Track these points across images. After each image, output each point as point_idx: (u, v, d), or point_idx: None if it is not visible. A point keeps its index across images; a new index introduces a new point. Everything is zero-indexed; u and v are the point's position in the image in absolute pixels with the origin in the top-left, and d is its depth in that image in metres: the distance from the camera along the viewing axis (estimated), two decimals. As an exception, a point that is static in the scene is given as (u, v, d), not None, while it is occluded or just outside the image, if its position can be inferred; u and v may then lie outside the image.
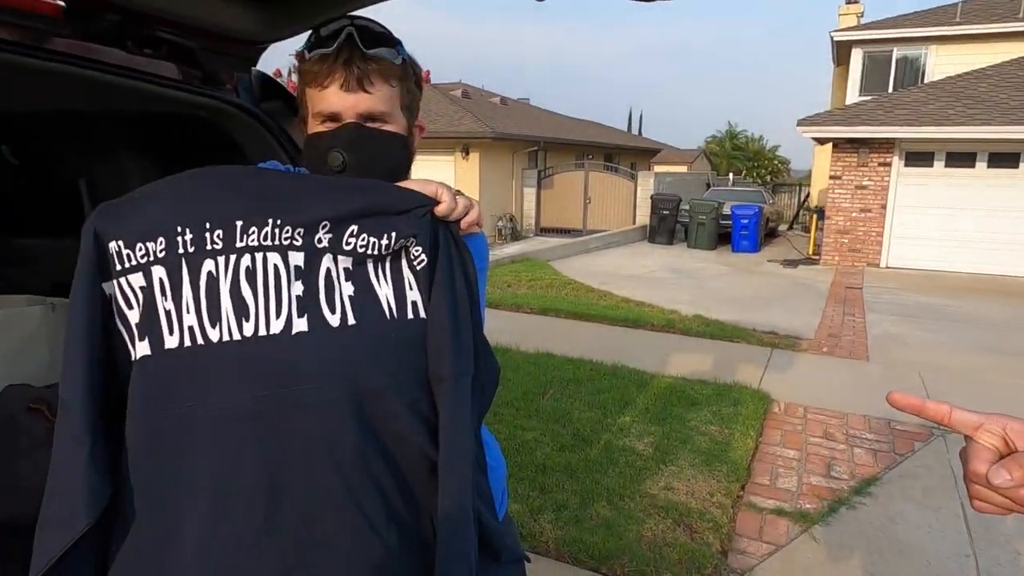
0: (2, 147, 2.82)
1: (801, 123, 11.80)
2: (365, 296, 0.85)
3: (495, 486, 1.08)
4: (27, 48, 1.33)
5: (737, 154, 37.02)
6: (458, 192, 0.93)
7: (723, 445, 3.80)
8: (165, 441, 0.81)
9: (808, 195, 18.99)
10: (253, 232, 0.81)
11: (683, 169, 27.89)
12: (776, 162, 37.06)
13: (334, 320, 0.83)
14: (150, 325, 0.81)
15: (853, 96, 14.80)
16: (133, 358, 0.82)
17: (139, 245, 0.81)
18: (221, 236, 0.81)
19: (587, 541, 2.77)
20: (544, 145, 18.03)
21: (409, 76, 1.00)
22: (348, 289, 0.84)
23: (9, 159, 2.84)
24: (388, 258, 0.86)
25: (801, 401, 4.63)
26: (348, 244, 0.84)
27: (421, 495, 0.89)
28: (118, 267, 0.82)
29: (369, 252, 0.85)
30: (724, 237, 14.04)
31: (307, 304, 0.83)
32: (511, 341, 5.83)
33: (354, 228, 0.83)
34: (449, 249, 0.89)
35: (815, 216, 13.60)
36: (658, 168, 24.56)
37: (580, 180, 17.19)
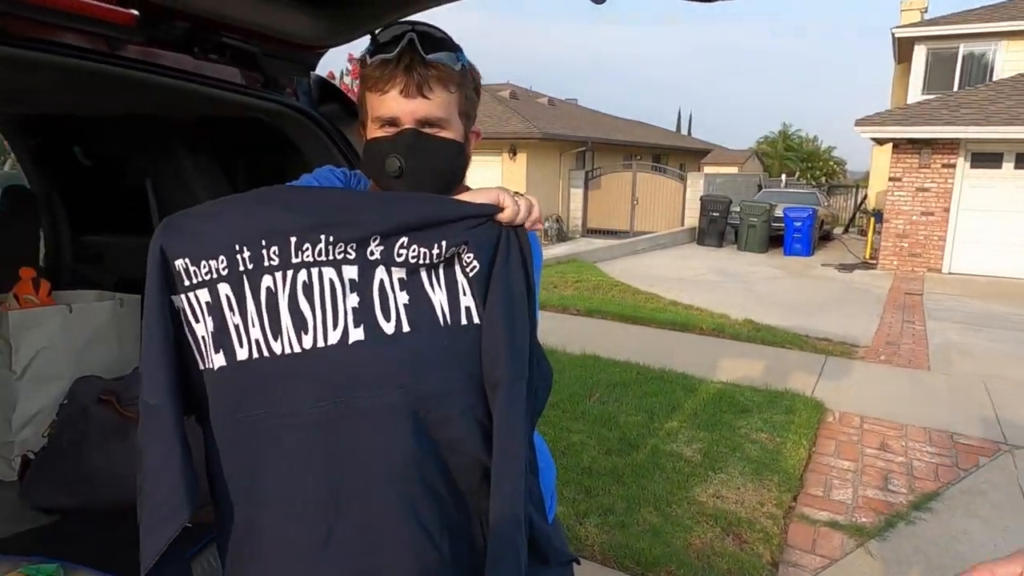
0: (76, 149, 2.96)
1: (859, 123, 11.42)
2: (420, 304, 0.87)
3: (545, 489, 1.08)
4: (102, 55, 1.39)
5: (790, 155, 36.09)
6: (517, 193, 0.93)
7: (774, 454, 3.71)
8: (242, 446, 0.85)
9: (865, 197, 18.37)
10: (307, 248, 0.84)
11: (734, 170, 27.34)
12: (832, 163, 36.00)
13: (389, 328, 0.85)
14: (222, 338, 0.85)
15: (915, 95, 14.23)
16: (203, 367, 0.87)
17: (203, 263, 0.85)
18: (277, 252, 0.84)
19: (633, 547, 2.74)
20: (592, 146, 17.92)
21: (468, 82, 1.00)
22: (403, 298, 0.86)
23: (82, 161, 2.99)
24: (441, 265, 0.88)
25: (857, 411, 4.48)
26: (400, 256, 0.85)
27: (474, 500, 0.90)
28: (185, 283, 0.86)
29: (421, 262, 0.86)
30: (776, 240, 13.69)
31: (363, 314, 0.85)
32: (557, 343, 5.81)
33: (404, 240, 0.85)
34: (509, 252, 0.89)
35: (872, 219, 13.13)
36: (708, 169, 24.14)
37: (628, 181, 17.03)
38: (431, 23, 1.00)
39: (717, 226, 14.40)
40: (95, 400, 1.63)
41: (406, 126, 0.96)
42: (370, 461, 0.84)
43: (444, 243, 0.86)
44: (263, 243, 0.84)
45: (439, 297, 0.87)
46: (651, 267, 11.18)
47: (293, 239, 0.84)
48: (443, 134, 0.98)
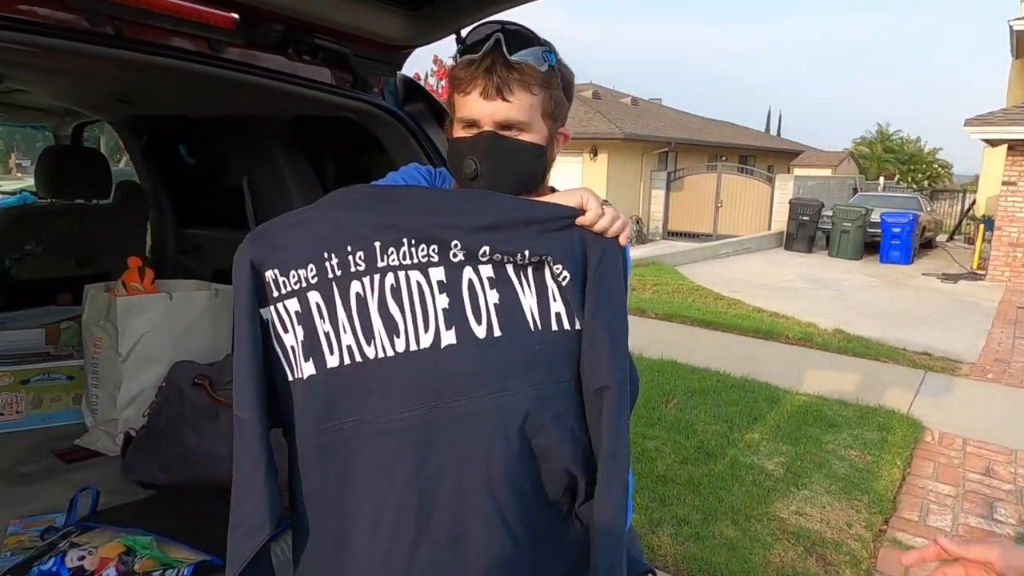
0: (182, 148, 3.16)
1: (969, 123, 10.63)
2: (510, 306, 0.86)
3: None
4: (205, 57, 1.46)
5: (889, 157, 34.03)
6: (605, 202, 0.91)
7: (864, 472, 3.50)
8: (334, 453, 0.86)
9: (974, 202, 17.07)
10: (392, 252, 0.84)
11: (827, 172, 26.04)
12: (936, 166, 33.71)
13: (480, 331, 0.84)
14: (312, 346, 0.86)
15: (1035, 92, 13.11)
16: (293, 377, 0.88)
17: (292, 273, 0.86)
18: (363, 257, 0.84)
19: (709, 560, 2.64)
20: (675, 146, 17.53)
21: (554, 83, 0.98)
22: (493, 297, 0.85)
23: (186, 159, 3.18)
24: (531, 268, 0.86)
25: (959, 432, 4.16)
26: (483, 257, 0.85)
27: (560, 508, 0.89)
28: (275, 294, 0.87)
29: (506, 262, 0.85)
30: (871, 247, 12.95)
31: (454, 316, 0.84)
32: (634, 346, 5.62)
33: (486, 248, 0.84)
34: (609, 261, 0.88)
35: (982, 226, 12.19)
36: (798, 171, 23.09)
37: (712, 182, 16.54)
38: (522, 23, 0.98)
39: (807, 231, 13.76)
40: (190, 383, 1.72)
41: (485, 128, 0.95)
42: (462, 465, 0.83)
43: (527, 251, 0.85)
44: (349, 249, 0.84)
45: (529, 301, 0.86)
46: (734, 272, 10.81)
47: (378, 244, 0.84)
48: (523, 137, 0.96)
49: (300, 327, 0.86)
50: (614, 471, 0.85)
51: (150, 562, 1.24)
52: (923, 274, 11.26)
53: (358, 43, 1.66)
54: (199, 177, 3.09)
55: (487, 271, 0.85)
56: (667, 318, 7.19)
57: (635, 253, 12.71)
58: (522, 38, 0.95)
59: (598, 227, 0.88)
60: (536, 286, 0.87)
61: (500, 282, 0.86)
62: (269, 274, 0.87)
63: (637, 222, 16.32)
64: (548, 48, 0.97)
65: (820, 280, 10.33)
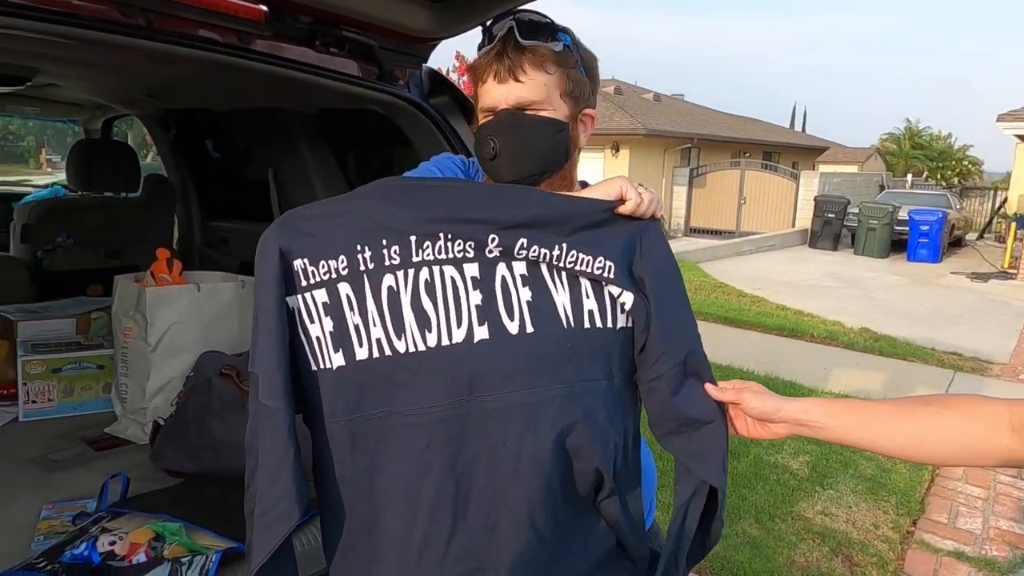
0: (208, 142, 3.19)
1: (1002, 118, 10.40)
2: (543, 303, 0.85)
3: (646, 495, 1.04)
4: (234, 49, 1.47)
5: (918, 153, 33.38)
6: (640, 184, 0.90)
7: (891, 473, 3.44)
8: (364, 442, 0.86)
9: (1005, 200, 16.66)
10: (427, 246, 0.84)
11: (853, 169, 25.64)
12: (966, 163, 32.97)
13: (513, 327, 0.84)
14: (342, 338, 0.85)
15: (1071, 86, 12.77)
16: (319, 367, 0.87)
17: (322, 263, 0.85)
18: (398, 252, 0.84)
19: (732, 559, 2.62)
20: (698, 142, 17.38)
21: (572, 62, 0.96)
22: (526, 294, 0.85)
23: (212, 153, 3.21)
24: (565, 265, 0.86)
25: (990, 433, 4.07)
26: (520, 254, 0.84)
27: (586, 505, 0.89)
28: (303, 283, 0.86)
29: (541, 260, 0.85)
30: (898, 245, 12.73)
31: (486, 312, 0.84)
32: (655, 343, 5.67)
33: (523, 241, 0.83)
34: (658, 235, 0.89)
35: (1013, 224, 11.91)
36: (823, 168, 22.76)
37: (735, 179, 16.37)
38: (539, 11, 0.98)
39: (832, 228, 13.56)
40: (218, 373, 1.74)
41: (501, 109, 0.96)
42: (493, 461, 0.83)
43: (564, 247, 0.84)
44: (383, 242, 0.84)
45: (562, 298, 0.86)
46: (758, 269, 10.69)
47: (413, 238, 0.83)
48: (542, 115, 0.96)
49: (328, 318, 0.85)
50: (711, 442, 0.90)
51: (179, 548, 1.26)
52: (952, 273, 11.03)
53: (384, 35, 1.66)
54: (225, 170, 3.12)
55: (520, 268, 0.85)
56: (689, 315, 7.13)
57: (657, 250, 12.61)
58: (534, 23, 0.95)
59: (639, 213, 0.88)
60: (569, 282, 0.86)
61: (533, 279, 0.85)
62: (298, 263, 0.86)
63: (659, 219, 16.20)
64: (563, 30, 0.96)
65: (846, 278, 10.18)
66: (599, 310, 0.86)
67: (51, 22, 1.21)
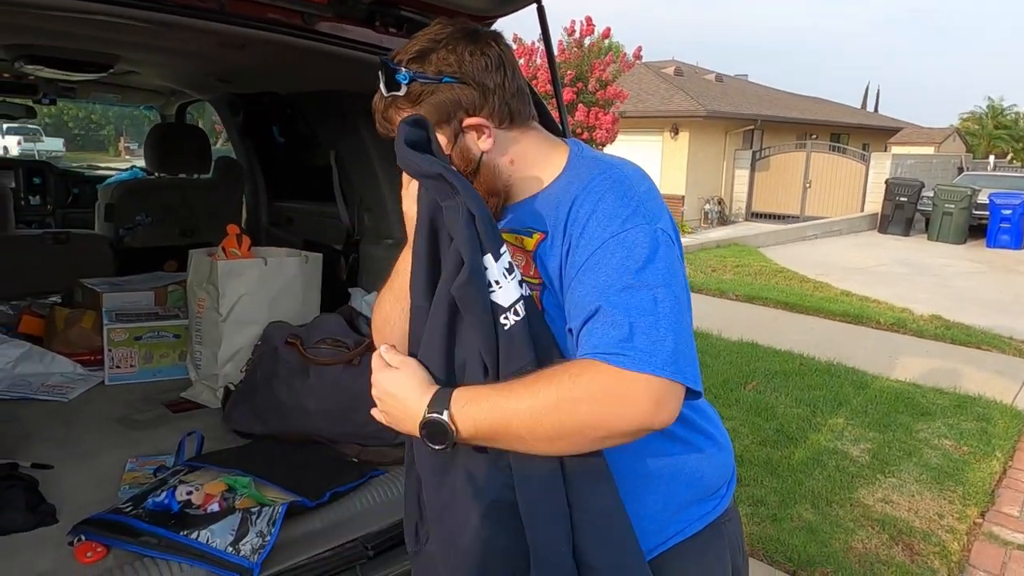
0: (275, 129, 3.31)
1: (1097, 93, 9.65)
2: None
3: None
4: (300, 30, 1.54)
5: (1001, 133, 31.42)
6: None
7: (959, 463, 3.31)
8: None
9: (1099, 183, 15.56)
10: None
11: (929, 151, 24.32)
12: (1056, 143, 30.85)
13: None
14: None
15: None
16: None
17: None
18: None
19: (786, 542, 2.59)
20: (761, 124, 16.81)
21: (422, 94, 0.91)
22: None
23: (277, 136, 3.34)
24: None
25: (1071, 426, 3.86)
26: None
27: None
28: None
29: None
30: (977, 230, 12.06)
31: None
32: (713, 327, 5.58)
33: None
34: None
35: (1108, 208, 11.12)
36: (897, 149, 21.69)
37: (800, 162, 15.79)
38: (386, 57, 0.95)
39: (904, 212, 12.96)
40: (284, 342, 1.83)
41: None
42: None
43: None
44: None
45: None
46: (822, 254, 10.33)
47: None
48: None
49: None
50: None
51: (249, 500, 1.35)
52: (1036, 259, 10.40)
53: (442, 14, 1.69)
54: (290, 152, 3.24)
55: None
56: (748, 300, 6.98)
57: (716, 234, 12.38)
58: (384, 73, 0.93)
59: None
60: None
61: None
62: None
63: (719, 203, 15.82)
64: (397, 69, 0.91)
65: (918, 264, 9.73)
66: None
67: (131, 6, 1.29)
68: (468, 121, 0.92)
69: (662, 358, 0.74)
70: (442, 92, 0.91)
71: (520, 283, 0.85)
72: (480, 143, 0.94)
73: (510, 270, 0.83)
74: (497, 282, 0.82)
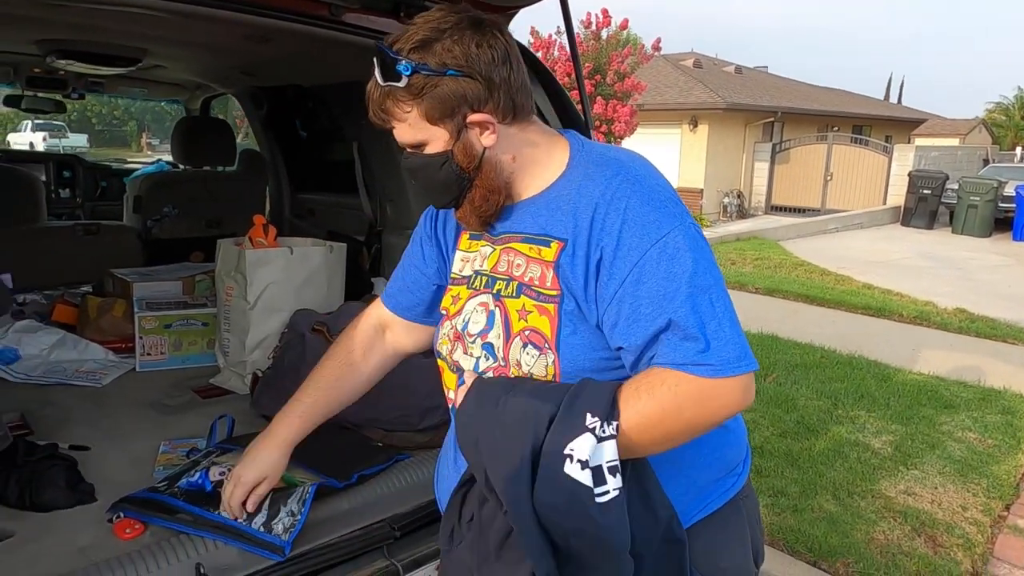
0: (297, 122, 3.35)
1: None
2: None
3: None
4: (324, 20, 1.56)
5: (1030, 124, 30.73)
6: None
7: (984, 456, 3.28)
8: None
9: None
10: None
11: (954, 142, 23.88)
12: (1086, 135, 30.13)
13: None
14: None
15: None
16: None
17: None
18: None
19: (807, 532, 2.59)
20: (781, 116, 16.63)
21: (425, 86, 0.88)
22: None
23: (299, 131, 3.38)
24: None
25: (1099, 420, 3.80)
26: None
27: None
28: None
29: None
30: (1003, 223, 11.86)
31: None
32: (732, 320, 5.55)
33: None
34: None
35: None
36: (920, 141, 21.31)
37: (821, 154, 15.60)
38: (385, 46, 0.89)
39: (928, 205, 12.78)
40: (310, 329, 1.87)
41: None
42: None
43: None
44: None
45: None
46: (844, 248, 10.22)
47: None
48: (428, 150, 0.93)
49: None
50: None
51: (279, 481, 1.38)
52: (1064, 253, 10.21)
53: (466, 4, 1.71)
54: (312, 145, 3.28)
55: None
56: (768, 292, 6.94)
57: (735, 227, 12.28)
58: (382, 62, 0.89)
59: None
60: None
61: None
62: None
63: (738, 196, 15.68)
64: (399, 60, 0.87)
65: (942, 258, 9.60)
66: None
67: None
68: (472, 117, 0.90)
69: (735, 356, 0.82)
70: (446, 85, 0.87)
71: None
72: (483, 139, 0.91)
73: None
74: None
